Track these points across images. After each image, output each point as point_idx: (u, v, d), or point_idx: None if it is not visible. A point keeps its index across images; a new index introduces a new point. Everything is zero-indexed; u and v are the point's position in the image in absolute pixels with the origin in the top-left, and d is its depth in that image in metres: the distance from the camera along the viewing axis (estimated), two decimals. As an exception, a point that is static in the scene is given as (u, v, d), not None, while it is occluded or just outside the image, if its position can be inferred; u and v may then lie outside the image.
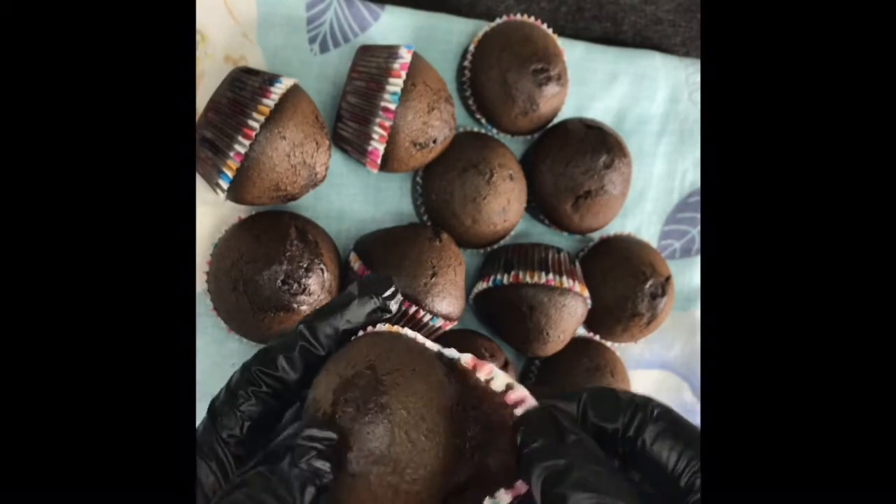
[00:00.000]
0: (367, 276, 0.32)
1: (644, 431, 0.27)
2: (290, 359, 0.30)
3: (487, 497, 0.26)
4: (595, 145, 0.49)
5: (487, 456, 0.27)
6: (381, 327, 0.30)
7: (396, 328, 0.29)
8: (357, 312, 0.30)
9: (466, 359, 0.28)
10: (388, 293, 0.30)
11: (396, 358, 0.27)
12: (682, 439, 0.27)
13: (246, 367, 0.31)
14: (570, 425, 0.27)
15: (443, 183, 0.47)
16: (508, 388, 0.28)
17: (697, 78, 0.57)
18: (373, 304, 0.30)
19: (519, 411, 0.27)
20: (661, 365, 0.59)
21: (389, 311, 0.30)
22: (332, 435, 0.25)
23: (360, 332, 0.30)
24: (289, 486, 0.24)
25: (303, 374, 0.30)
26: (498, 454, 0.27)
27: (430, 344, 0.29)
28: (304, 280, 0.41)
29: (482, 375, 0.28)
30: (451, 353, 0.28)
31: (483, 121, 0.50)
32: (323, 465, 0.25)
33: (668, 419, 0.27)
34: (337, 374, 0.27)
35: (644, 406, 0.28)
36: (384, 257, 0.44)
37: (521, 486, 0.26)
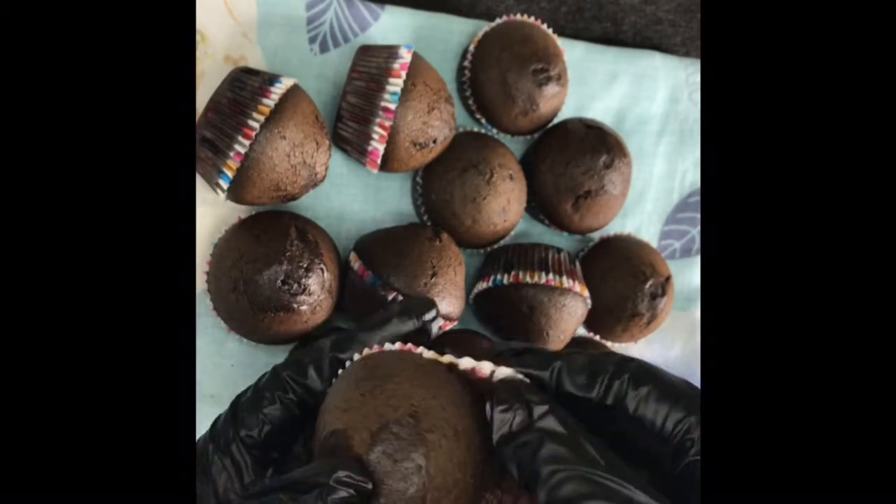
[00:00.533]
0: (410, 298, 0.31)
1: (625, 400, 0.27)
2: (319, 368, 0.30)
3: None
4: (595, 145, 0.49)
5: None
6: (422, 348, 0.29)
7: (438, 356, 0.28)
8: (394, 331, 0.30)
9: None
10: (430, 316, 0.30)
11: (440, 411, 0.26)
12: (668, 401, 0.27)
13: (276, 371, 0.31)
14: (537, 397, 0.26)
15: (443, 183, 0.47)
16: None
17: (697, 78, 0.57)
18: (412, 324, 0.30)
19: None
20: (661, 365, 0.59)
21: (429, 335, 0.30)
22: (368, 486, 0.25)
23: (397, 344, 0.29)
24: None
25: (330, 385, 0.30)
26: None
27: (467, 364, 0.28)
28: (304, 280, 0.41)
29: None
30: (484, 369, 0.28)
31: (483, 121, 0.50)
32: None
33: (648, 382, 0.28)
34: (376, 412, 0.26)
35: (620, 372, 0.28)
36: (384, 257, 0.44)
37: None
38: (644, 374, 0.28)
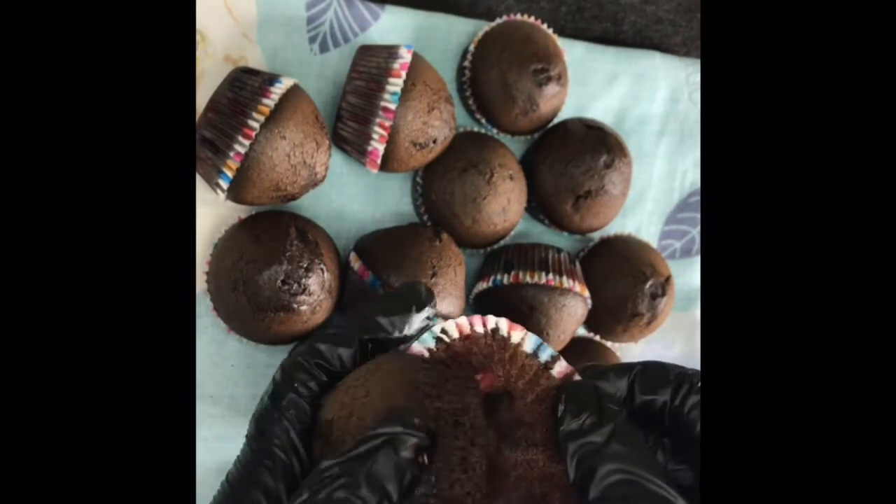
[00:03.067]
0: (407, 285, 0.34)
1: (688, 400, 0.29)
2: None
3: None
4: (595, 145, 0.49)
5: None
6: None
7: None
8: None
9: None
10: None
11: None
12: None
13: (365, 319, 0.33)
14: (611, 403, 0.28)
15: (443, 183, 0.47)
16: (553, 359, 0.31)
17: (697, 78, 0.57)
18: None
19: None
20: (661, 365, 0.59)
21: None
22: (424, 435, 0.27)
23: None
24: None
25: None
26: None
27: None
28: (304, 280, 0.41)
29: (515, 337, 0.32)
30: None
31: (483, 121, 0.50)
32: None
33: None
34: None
35: (691, 377, 0.29)
36: (384, 257, 0.44)
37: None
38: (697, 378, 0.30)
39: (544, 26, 0.50)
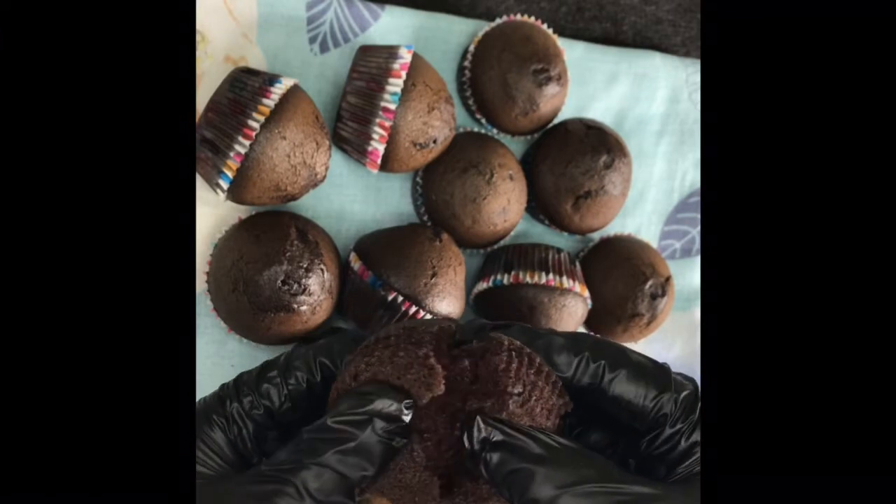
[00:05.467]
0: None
1: (602, 382, 0.30)
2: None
3: None
4: (595, 145, 0.49)
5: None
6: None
7: None
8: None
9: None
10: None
11: None
12: (642, 381, 0.30)
13: (298, 352, 0.34)
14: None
15: (443, 183, 0.47)
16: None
17: (697, 78, 0.57)
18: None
19: None
20: (662, 365, 0.59)
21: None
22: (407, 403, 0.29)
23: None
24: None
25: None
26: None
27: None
28: (304, 280, 0.41)
29: None
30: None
31: (483, 121, 0.50)
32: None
33: (624, 364, 0.31)
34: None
35: (597, 355, 0.31)
36: (384, 257, 0.44)
37: None
38: (619, 356, 0.31)
39: (544, 26, 0.50)
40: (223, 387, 0.34)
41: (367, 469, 0.28)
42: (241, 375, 0.34)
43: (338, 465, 0.27)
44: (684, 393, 0.31)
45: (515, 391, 0.29)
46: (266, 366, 0.34)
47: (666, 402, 0.30)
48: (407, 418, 0.28)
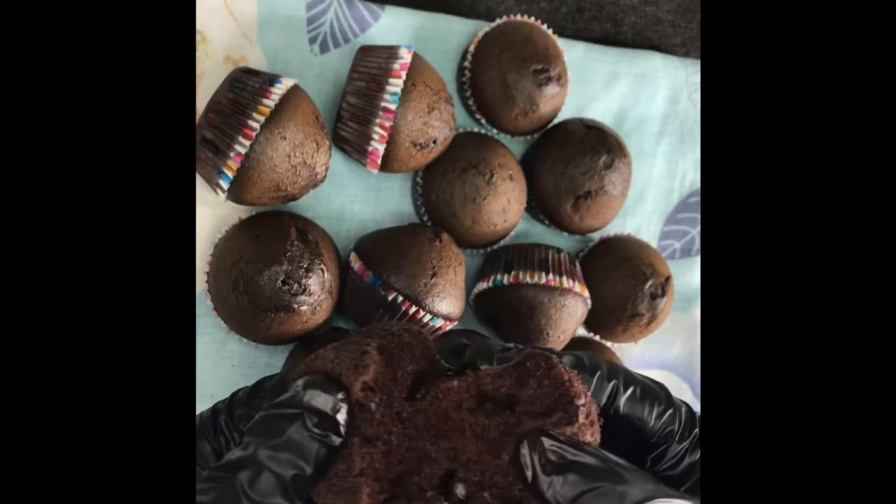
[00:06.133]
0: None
1: (617, 400, 0.30)
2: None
3: None
4: (595, 145, 0.49)
5: None
6: None
7: None
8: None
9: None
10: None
11: None
12: (649, 398, 0.30)
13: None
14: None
15: (443, 183, 0.47)
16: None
17: (697, 78, 0.57)
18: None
19: None
20: (661, 365, 0.59)
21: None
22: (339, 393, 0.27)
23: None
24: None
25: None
26: None
27: None
28: (304, 280, 0.41)
29: None
30: None
31: (483, 121, 0.50)
32: None
33: (632, 383, 0.30)
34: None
35: (613, 374, 0.30)
36: (384, 258, 0.44)
37: None
38: (628, 374, 0.31)
39: (544, 27, 0.50)
40: (217, 403, 0.33)
41: (303, 468, 0.25)
42: (236, 392, 0.33)
43: (269, 462, 0.25)
44: (683, 409, 0.31)
45: (581, 403, 0.26)
46: (262, 381, 0.32)
47: (671, 419, 0.30)
48: (340, 415, 0.26)
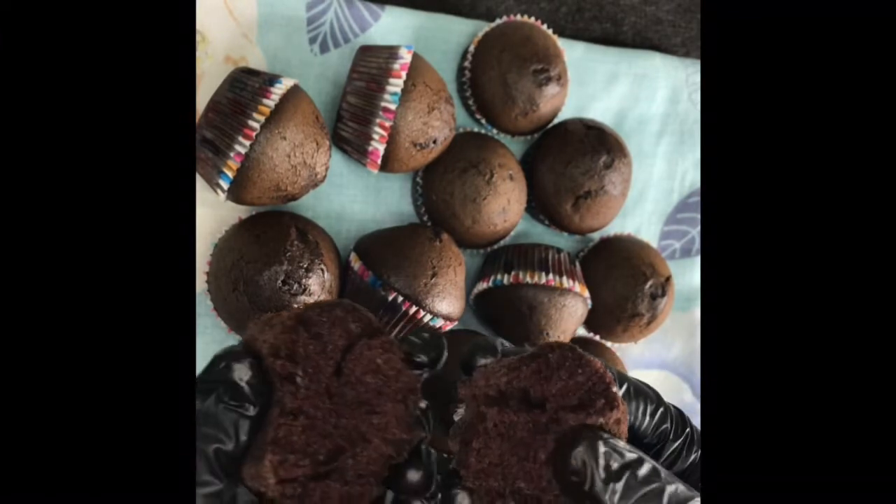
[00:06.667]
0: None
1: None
2: None
3: None
4: (595, 145, 0.49)
5: None
6: None
7: None
8: None
9: None
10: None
11: None
12: (642, 397, 0.30)
13: None
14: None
15: (443, 183, 0.47)
16: None
17: (697, 78, 0.57)
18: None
19: None
20: (661, 365, 0.59)
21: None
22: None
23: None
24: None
25: None
26: None
27: None
28: (304, 280, 0.41)
29: None
30: None
31: (483, 121, 0.50)
32: None
33: (619, 381, 0.30)
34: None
35: (622, 380, 0.29)
36: (384, 257, 0.44)
37: None
38: (619, 374, 0.30)
39: (544, 27, 0.50)
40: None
41: (224, 442, 0.24)
42: None
43: (198, 440, 0.24)
44: (672, 409, 0.31)
45: (616, 390, 0.26)
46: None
47: (664, 417, 0.30)
48: (242, 382, 0.25)
